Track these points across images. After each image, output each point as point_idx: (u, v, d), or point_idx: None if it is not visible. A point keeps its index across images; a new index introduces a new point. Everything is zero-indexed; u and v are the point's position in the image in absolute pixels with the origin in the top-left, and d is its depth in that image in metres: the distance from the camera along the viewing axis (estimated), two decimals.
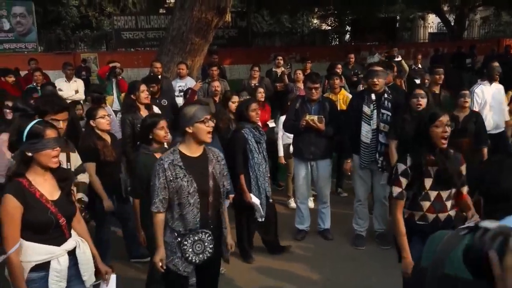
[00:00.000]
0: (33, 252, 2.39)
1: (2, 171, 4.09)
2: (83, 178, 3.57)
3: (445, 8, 22.80)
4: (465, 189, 3.00)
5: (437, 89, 5.60)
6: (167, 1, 22.67)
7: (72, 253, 2.54)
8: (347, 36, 24.68)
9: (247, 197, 4.29)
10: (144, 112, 4.78)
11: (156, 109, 5.16)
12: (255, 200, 4.31)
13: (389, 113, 4.50)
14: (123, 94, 7.02)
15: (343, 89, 6.47)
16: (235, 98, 5.15)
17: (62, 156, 2.93)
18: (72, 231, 2.61)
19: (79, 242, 2.60)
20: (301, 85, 6.94)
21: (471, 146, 4.59)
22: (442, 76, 5.64)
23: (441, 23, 23.83)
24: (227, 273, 4.23)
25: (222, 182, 2.92)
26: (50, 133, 2.44)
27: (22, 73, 9.58)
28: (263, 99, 5.98)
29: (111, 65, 7.23)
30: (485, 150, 4.75)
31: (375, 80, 4.50)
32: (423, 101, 4.23)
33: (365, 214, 4.88)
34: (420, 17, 25.97)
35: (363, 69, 9.10)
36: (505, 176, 1.39)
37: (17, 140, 2.45)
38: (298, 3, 19.51)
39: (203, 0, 8.21)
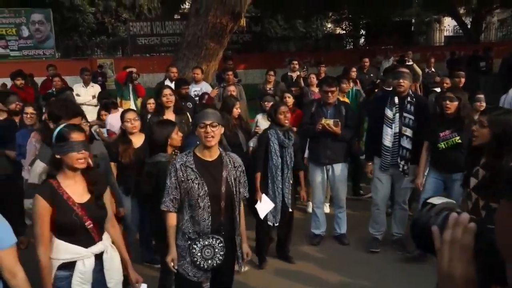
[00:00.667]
0: (61, 250, 2.48)
1: (27, 165, 4.21)
2: None
3: (462, 11, 22.56)
4: None
5: None
6: (182, 6, 22.86)
7: (99, 257, 2.57)
8: (362, 40, 24.56)
9: (257, 197, 4.30)
10: (169, 115, 4.83)
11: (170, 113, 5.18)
12: (266, 202, 4.30)
13: (412, 117, 4.39)
14: (140, 99, 7.12)
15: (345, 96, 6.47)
16: (238, 105, 5.17)
17: None
18: (106, 236, 2.65)
19: (108, 248, 2.62)
20: (315, 89, 6.93)
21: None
22: (463, 80, 5.61)
23: (457, 26, 23.58)
24: (241, 277, 4.22)
25: (237, 188, 2.87)
26: (76, 136, 2.51)
27: (40, 79, 9.73)
28: (290, 104, 5.84)
29: (127, 70, 7.31)
30: None
31: (401, 81, 4.38)
32: (452, 105, 4.11)
33: (382, 219, 4.82)
34: (435, 20, 25.72)
35: (378, 73, 9.06)
36: None
37: (49, 143, 2.61)
38: (312, 7, 19.49)
39: (218, 5, 8.28)
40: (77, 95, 7.26)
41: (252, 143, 4.84)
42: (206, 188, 2.74)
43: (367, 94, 6.83)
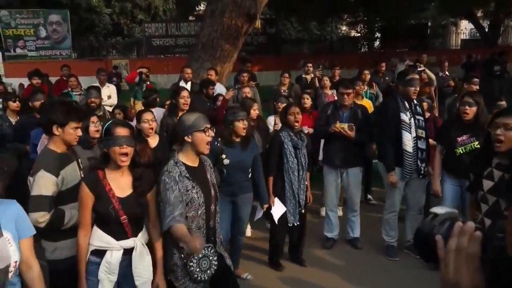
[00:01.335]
0: (96, 237, 2.58)
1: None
2: None
3: (479, 14, 22.28)
4: None
5: None
6: (197, 8, 22.98)
7: (129, 253, 2.61)
8: (377, 43, 24.40)
9: (271, 201, 4.27)
10: None
11: None
12: (279, 205, 4.28)
13: (422, 118, 4.47)
14: None
15: (365, 98, 6.42)
16: (255, 106, 5.14)
17: (74, 165, 2.88)
18: (142, 234, 2.68)
19: (139, 245, 2.63)
20: (328, 91, 6.90)
21: None
22: (475, 87, 5.57)
23: (474, 30, 23.30)
24: (255, 280, 4.20)
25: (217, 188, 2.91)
26: (120, 131, 2.59)
27: (57, 79, 9.83)
28: (307, 106, 5.81)
29: (138, 70, 7.35)
30: None
31: (418, 89, 4.46)
32: (471, 110, 4.06)
33: (396, 224, 4.76)
34: (452, 23, 25.46)
35: (393, 76, 8.97)
36: None
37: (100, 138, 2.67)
38: (327, 10, 19.43)
39: (233, 7, 8.29)
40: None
41: None
42: (202, 195, 2.71)
43: (384, 97, 6.78)
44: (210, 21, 8.83)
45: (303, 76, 8.33)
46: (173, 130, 3.79)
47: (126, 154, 2.56)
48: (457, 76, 9.78)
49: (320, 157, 5.36)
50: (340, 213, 5.47)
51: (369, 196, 6.24)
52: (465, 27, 25.42)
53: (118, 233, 2.57)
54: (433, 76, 7.71)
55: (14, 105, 5.53)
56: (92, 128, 3.70)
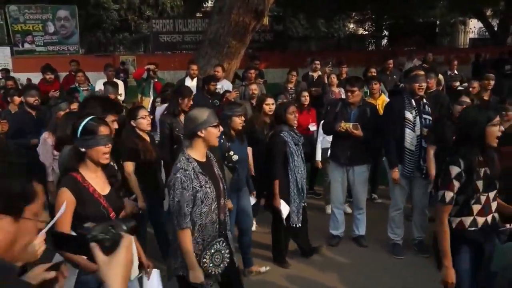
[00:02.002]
0: None
1: (47, 168, 4.24)
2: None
3: (488, 13, 22.11)
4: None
5: (486, 95, 5.45)
6: (204, 5, 22.97)
7: None
8: (384, 41, 24.30)
9: (277, 203, 4.26)
10: (182, 117, 4.82)
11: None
12: (284, 207, 4.29)
13: (430, 117, 4.44)
14: None
15: (382, 94, 6.38)
16: (269, 100, 5.09)
17: None
18: None
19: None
20: (335, 89, 6.89)
21: None
22: (492, 82, 5.53)
23: (483, 28, 23.12)
24: (260, 277, 4.22)
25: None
26: (104, 130, 2.52)
27: (64, 74, 9.88)
28: (307, 103, 5.93)
29: (146, 67, 7.36)
30: None
31: (423, 84, 4.40)
32: None
33: (402, 222, 4.75)
34: (460, 22, 25.28)
35: (401, 74, 8.93)
36: None
37: (71, 135, 2.54)
38: (335, 7, 19.36)
39: (241, 3, 8.28)
40: (100, 90, 7.33)
41: None
42: (214, 190, 2.74)
43: (390, 96, 6.73)
44: (217, 18, 8.83)
45: (310, 73, 8.31)
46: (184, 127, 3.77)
47: (107, 153, 2.54)
48: (465, 75, 9.69)
49: (318, 158, 5.60)
50: (349, 210, 5.46)
51: (374, 195, 6.21)
52: (474, 26, 25.25)
53: None
54: (440, 76, 7.66)
55: (18, 99, 5.64)
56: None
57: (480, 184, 2.79)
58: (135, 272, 2.66)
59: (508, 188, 3.11)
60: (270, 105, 4.98)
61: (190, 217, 2.66)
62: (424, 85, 4.44)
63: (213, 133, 2.76)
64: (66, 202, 2.38)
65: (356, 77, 5.09)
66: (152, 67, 7.31)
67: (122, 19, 22.10)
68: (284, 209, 4.29)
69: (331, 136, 5.00)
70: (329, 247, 4.86)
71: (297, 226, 4.37)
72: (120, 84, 8.15)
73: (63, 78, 9.40)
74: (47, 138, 4.25)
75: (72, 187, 2.44)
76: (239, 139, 4.12)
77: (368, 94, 6.30)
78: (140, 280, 2.74)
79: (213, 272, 2.72)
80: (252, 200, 4.44)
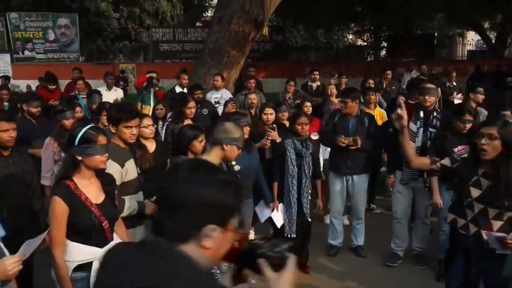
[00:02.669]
0: (77, 252, 2.46)
1: (46, 173, 4.24)
2: None
3: (486, 25, 22.29)
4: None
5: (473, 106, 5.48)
6: (204, 14, 23.12)
7: None
8: (383, 52, 24.45)
9: (275, 206, 4.31)
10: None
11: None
12: (275, 215, 4.32)
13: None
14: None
15: (378, 106, 6.41)
16: (268, 110, 5.12)
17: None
18: (115, 235, 2.65)
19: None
20: (334, 99, 6.92)
21: None
22: (481, 97, 5.60)
23: (481, 41, 23.31)
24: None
25: None
26: (102, 140, 2.51)
27: (64, 81, 9.90)
28: (309, 113, 5.86)
29: (147, 75, 7.38)
30: None
31: (426, 97, 4.34)
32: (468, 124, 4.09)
33: (404, 234, 4.71)
34: (459, 34, 25.46)
35: (399, 85, 8.98)
36: None
37: (68, 143, 2.54)
38: (334, 18, 19.49)
39: (241, 13, 8.34)
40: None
41: None
42: None
43: (389, 107, 6.77)
44: (217, 27, 8.89)
45: (309, 83, 8.36)
46: (181, 137, 3.77)
47: (104, 161, 2.54)
48: (462, 87, 9.76)
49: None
50: (347, 221, 5.45)
51: (372, 205, 6.21)
52: (472, 38, 25.46)
53: (100, 241, 2.50)
54: (438, 89, 7.69)
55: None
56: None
57: (475, 191, 2.84)
58: None
59: None
60: (268, 115, 5.01)
61: None
62: (432, 98, 4.35)
63: (235, 152, 2.94)
64: (59, 211, 2.41)
65: (351, 88, 5.12)
66: (154, 75, 7.34)
67: (122, 27, 22.19)
68: (276, 216, 4.30)
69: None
70: (327, 257, 4.85)
71: (291, 236, 4.32)
72: (120, 92, 8.19)
73: (65, 86, 9.42)
74: (48, 144, 4.26)
75: (64, 195, 2.43)
76: (246, 149, 4.00)
77: (364, 104, 6.34)
78: None
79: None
80: (268, 213, 4.40)
